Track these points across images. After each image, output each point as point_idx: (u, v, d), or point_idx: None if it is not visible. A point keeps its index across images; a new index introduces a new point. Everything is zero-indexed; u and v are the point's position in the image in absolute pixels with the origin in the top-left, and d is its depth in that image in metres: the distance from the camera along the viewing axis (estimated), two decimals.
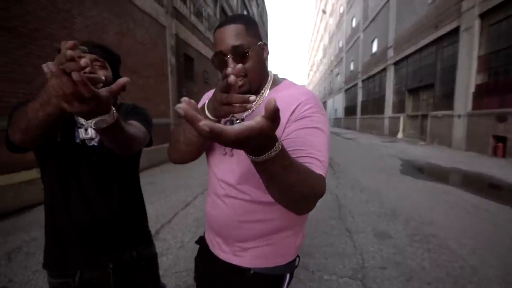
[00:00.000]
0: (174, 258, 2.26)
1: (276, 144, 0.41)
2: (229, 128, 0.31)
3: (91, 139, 0.82)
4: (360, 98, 21.22)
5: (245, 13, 20.67)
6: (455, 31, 8.96)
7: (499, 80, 7.33)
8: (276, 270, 0.71)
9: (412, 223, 2.95)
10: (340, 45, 28.87)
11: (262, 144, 0.39)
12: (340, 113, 29.35)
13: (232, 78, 0.47)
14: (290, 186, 0.47)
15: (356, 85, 22.29)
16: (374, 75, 17.82)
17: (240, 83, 0.63)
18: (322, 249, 2.35)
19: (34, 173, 3.70)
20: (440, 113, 10.01)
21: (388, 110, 15.21)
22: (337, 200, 3.73)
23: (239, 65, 0.55)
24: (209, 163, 0.78)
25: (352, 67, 23.96)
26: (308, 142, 0.57)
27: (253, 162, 0.43)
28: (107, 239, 0.86)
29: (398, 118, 13.87)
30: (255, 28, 0.67)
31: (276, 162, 0.42)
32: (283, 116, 0.60)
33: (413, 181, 4.92)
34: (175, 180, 5.10)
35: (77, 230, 0.82)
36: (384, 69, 15.67)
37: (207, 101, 0.58)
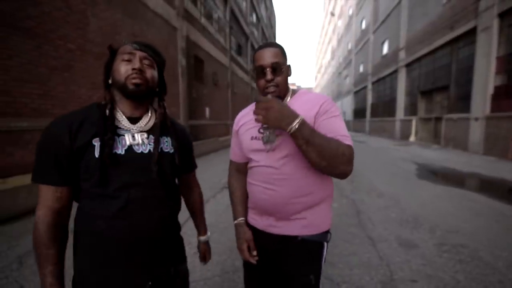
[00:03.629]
0: (190, 266, 2.16)
1: (299, 117, 0.75)
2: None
3: (139, 145, 0.78)
4: (370, 100, 20.89)
5: (254, 15, 20.78)
6: (472, 32, 8.69)
7: None
8: (315, 237, 0.91)
9: (437, 231, 2.78)
10: (349, 47, 28.61)
11: (286, 112, 0.74)
12: (349, 115, 28.99)
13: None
14: (321, 146, 0.74)
15: (365, 87, 21.98)
16: (384, 77, 17.53)
17: (272, 89, 0.89)
18: (345, 259, 2.22)
19: None
20: (455, 115, 9.70)
21: (400, 113, 14.89)
22: (354, 206, 3.57)
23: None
24: (255, 161, 0.94)
25: (361, 69, 23.67)
26: (333, 128, 0.83)
27: (292, 134, 0.75)
28: (150, 256, 0.79)
29: (410, 121, 13.56)
30: (285, 54, 0.92)
31: (304, 129, 0.74)
32: (311, 112, 0.86)
33: (432, 186, 4.71)
34: None
35: (122, 249, 0.75)
36: (395, 71, 15.39)
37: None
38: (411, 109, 13.78)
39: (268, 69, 0.86)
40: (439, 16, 10.71)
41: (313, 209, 0.91)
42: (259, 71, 0.88)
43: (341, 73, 34.26)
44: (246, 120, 1.00)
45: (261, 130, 0.92)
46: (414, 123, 13.25)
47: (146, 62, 0.79)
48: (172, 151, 0.85)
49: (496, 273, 2.02)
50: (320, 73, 66.40)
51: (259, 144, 0.91)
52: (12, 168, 3.31)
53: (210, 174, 5.86)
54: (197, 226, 1.10)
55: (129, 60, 0.77)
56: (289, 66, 0.94)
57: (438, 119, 11.15)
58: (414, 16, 13.03)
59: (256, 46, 21.52)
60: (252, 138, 0.93)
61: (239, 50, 16.39)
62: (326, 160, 0.75)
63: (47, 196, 0.70)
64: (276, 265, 0.96)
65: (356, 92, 25.84)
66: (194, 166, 1.04)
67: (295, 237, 0.91)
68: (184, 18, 8.03)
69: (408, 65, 13.95)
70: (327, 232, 0.95)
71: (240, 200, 1.05)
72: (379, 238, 2.62)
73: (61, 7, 3.89)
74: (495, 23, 7.67)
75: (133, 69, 0.76)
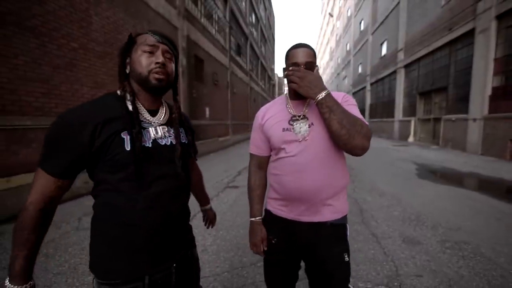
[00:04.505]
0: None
1: (326, 89, 0.87)
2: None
3: (162, 138, 0.80)
4: (368, 101, 21.01)
5: (253, 16, 20.84)
6: (470, 33, 8.80)
7: None
8: (340, 220, 1.01)
9: (440, 229, 2.82)
10: (348, 48, 28.74)
11: (317, 83, 0.87)
12: None
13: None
14: (342, 114, 0.85)
15: (364, 88, 22.09)
16: (383, 78, 17.64)
17: None
18: (351, 255, 2.24)
19: None
20: (454, 116, 9.80)
21: (399, 114, 15.00)
22: (357, 204, 3.61)
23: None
24: (286, 152, 0.97)
25: (360, 70, 23.80)
26: (352, 112, 0.91)
27: (318, 102, 0.87)
28: (174, 239, 0.84)
29: (409, 121, 13.66)
30: (315, 56, 1.01)
31: (331, 98, 0.86)
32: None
33: (432, 185, 4.77)
34: None
35: (148, 235, 0.76)
36: (394, 72, 15.49)
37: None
38: (410, 110, 13.88)
39: (302, 67, 0.93)
40: (437, 18, 10.82)
41: (337, 196, 0.99)
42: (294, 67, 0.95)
43: (339, 74, 34.41)
44: (273, 114, 1.03)
45: (291, 122, 0.97)
46: (413, 123, 13.35)
47: (167, 55, 0.79)
48: (187, 141, 0.89)
49: (498, 268, 2.06)
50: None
51: (291, 135, 0.95)
52: (16, 167, 3.31)
53: (212, 173, 5.88)
54: (201, 199, 1.22)
55: (151, 52, 0.76)
56: (317, 66, 1.00)
57: (437, 120, 11.26)
58: (412, 17, 13.15)
59: (255, 47, 21.55)
60: (284, 130, 0.97)
61: (239, 50, 16.42)
62: (345, 128, 0.84)
63: (47, 185, 0.68)
64: (309, 251, 1.00)
65: (354, 93, 25.96)
66: (196, 151, 1.05)
67: (325, 222, 0.98)
68: (184, 17, 8.05)
69: (407, 66, 14.06)
70: (346, 215, 1.05)
71: (260, 199, 1.10)
72: (383, 235, 2.66)
73: (65, 6, 3.90)
74: (493, 25, 7.77)
75: (157, 63, 0.75)
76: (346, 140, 0.85)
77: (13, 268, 0.66)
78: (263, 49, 26.83)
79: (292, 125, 0.96)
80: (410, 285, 1.84)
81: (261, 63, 25.88)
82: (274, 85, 41.91)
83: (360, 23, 23.18)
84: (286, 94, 1.06)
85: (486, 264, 2.13)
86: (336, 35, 36.62)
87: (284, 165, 0.97)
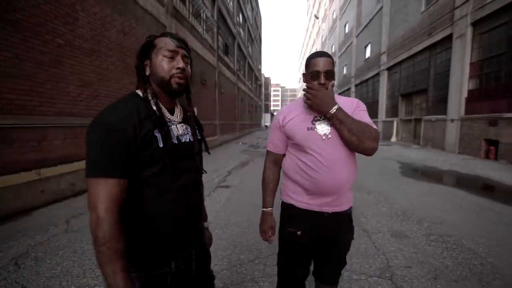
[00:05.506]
0: None
1: (336, 104, 1.00)
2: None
3: (182, 135, 0.85)
4: None
5: (240, 16, 20.85)
6: (448, 38, 9.29)
7: (490, 86, 7.63)
8: (350, 209, 1.16)
9: (424, 223, 2.98)
10: (333, 50, 29.37)
11: (328, 100, 1.00)
12: None
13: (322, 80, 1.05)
14: (351, 125, 0.99)
15: (349, 89, 22.68)
16: (367, 80, 18.20)
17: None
18: None
19: (33, 175, 3.53)
20: (433, 117, 10.30)
21: (382, 114, 15.53)
22: None
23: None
24: (313, 150, 1.06)
25: (345, 71, 24.40)
26: (363, 117, 1.07)
27: (330, 117, 1.01)
28: (194, 228, 0.91)
29: (392, 122, 14.19)
30: (334, 64, 1.10)
31: (341, 112, 1.00)
32: (349, 110, 1.07)
33: (415, 183, 5.01)
34: None
35: (176, 224, 0.82)
36: (377, 74, 16.03)
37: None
38: (393, 111, 14.43)
39: (322, 75, 1.04)
40: (418, 23, 11.33)
41: (350, 189, 1.13)
42: (314, 75, 1.06)
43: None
44: (295, 115, 1.13)
45: (313, 122, 1.08)
46: (395, 124, 13.88)
47: (185, 60, 0.83)
48: (200, 137, 0.96)
49: (478, 258, 2.22)
50: None
51: (315, 134, 1.05)
52: None
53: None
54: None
55: (171, 57, 0.79)
56: (334, 80, 1.11)
57: (418, 121, 11.78)
58: (395, 22, 13.68)
59: (242, 47, 21.55)
60: (308, 129, 1.07)
61: (226, 50, 16.36)
62: (355, 135, 0.99)
63: (111, 190, 0.67)
64: (330, 237, 1.14)
65: (339, 94, 26.54)
66: (207, 146, 1.10)
67: (344, 212, 1.12)
68: (173, 16, 7.94)
69: (389, 69, 14.60)
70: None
71: (273, 192, 1.22)
72: (373, 230, 2.78)
73: (49, 0, 3.75)
74: (469, 31, 8.25)
75: (178, 68, 0.79)
76: (357, 144, 1.00)
77: (116, 285, 0.64)
78: (250, 49, 26.88)
79: (314, 124, 1.07)
80: (400, 276, 1.95)
81: (248, 63, 25.91)
82: (260, 85, 42.04)
83: (345, 26, 23.79)
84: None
85: (468, 254, 2.29)
86: (322, 36, 37.33)
87: (313, 162, 1.06)
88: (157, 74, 0.79)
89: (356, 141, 0.99)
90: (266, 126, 47.66)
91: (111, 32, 5.05)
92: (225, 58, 15.84)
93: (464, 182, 5.14)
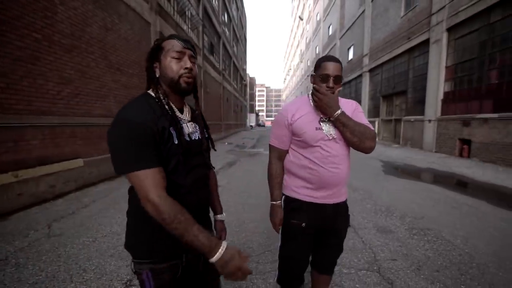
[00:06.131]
0: None
1: (340, 109, 1.11)
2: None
3: (192, 133, 0.91)
4: None
5: (226, 15, 20.72)
6: (426, 43, 9.76)
7: (464, 89, 8.11)
8: (346, 200, 1.29)
9: (407, 218, 3.13)
10: (317, 51, 29.93)
11: (333, 104, 1.11)
12: None
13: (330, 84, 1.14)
14: (353, 127, 1.11)
15: None
16: (350, 81, 18.71)
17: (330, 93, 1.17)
18: None
19: (9, 177, 3.33)
20: (412, 117, 10.78)
21: (364, 115, 16.01)
22: None
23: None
24: (320, 147, 1.16)
25: None
26: (361, 119, 1.19)
27: (336, 119, 1.11)
28: (204, 221, 0.96)
29: (374, 122, 14.68)
30: (342, 69, 1.18)
31: (344, 116, 1.11)
32: (348, 111, 1.18)
33: (397, 180, 5.24)
34: None
35: None
36: (360, 76, 16.53)
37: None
38: (374, 111, 14.94)
39: (331, 78, 1.13)
40: (398, 27, 11.81)
41: (346, 183, 1.25)
42: (324, 78, 1.14)
43: (309, 76, 35.63)
44: (303, 113, 1.20)
45: (320, 122, 1.17)
46: (377, 124, 14.39)
47: (192, 60, 0.87)
48: (207, 135, 1.02)
49: (456, 249, 2.37)
50: (289, 75, 68.30)
51: (322, 133, 1.15)
52: None
53: None
54: (215, 205, 1.15)
55: (179, 58, 0.83)
56: (340, 87, 1.22)
57: (398, 121, 12.28)
58: (376, 25, 14.17)
59: (227, 46, 21.45)
60: (316, 129, 1.16)
61: (211, 49, 16.22)
62: (357, 137, 1.12)
63: (155, 178, 0.72)
64: (331, 226, 1.25)
65: None
66: (213, 143, 1.15)
67: (342, 203, 1.25)
68: (157, 13, 7.77)
69: (371, 71, 15.10)
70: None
71: (280, 185, 1.29)
72: (359, 226, 2.88)
73: None
74: (444, 36, 8.72)
75: (186, 68, 0.83)
76: (358, 144, 1.14)
77: (202, 244, 0.69)
78: (235, 49, 26.79)
79: (321, 125, 1.16)
80: (387, 268, 2.04)
81: (234, 62, 25.83)
82: (246, 85, 42.01)
83: (329, 27, 24.32)
84: (309, 94, 1.25)
85: (447, 245, 2.43)
86: (306, 38, 37.92)
87: (320, 159, 1.16)
88: (166, 75, 0.83)
89: (357, 141, 1.12)
90: (251, 126, 47.68)
91: (92, 28, 4.86)
92: (211, 57, 15.70)
93: (441, 179, 5.44)
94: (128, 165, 0.72)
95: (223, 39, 19.25)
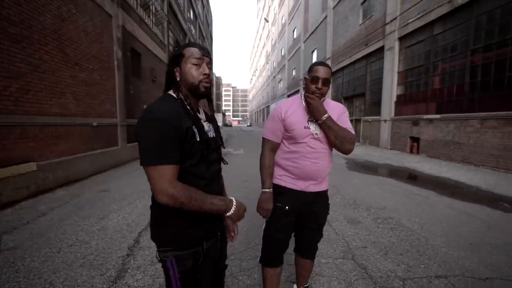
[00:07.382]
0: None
1: (327, 113, 1.27)
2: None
3: (208, 131, 0.98)
4: None
5: (191, 12, 20.20)
6: (381, 49, 10.69)
7: (413, 92, 9.09)
8: (327, 189, 1.44)
9: (372, 209, 3.44)
10: (283, 53, 30.77)
11: (321, 109, 1.26)
12: None
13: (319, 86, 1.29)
14: (337, 132, 1.26)
15: (298, 91, 24.06)
16: None
17: (317, 95, 1.30)
18: None
19: None
20: (370, 118, 11.73)
21: None
22: None
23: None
24: (305, 143, 1.31)
25: (294, 74, 25.81)
26: (345, 123, 1.34)
27: (322, 122, 1.27)
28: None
29: None
30: (331, 73, 1.32)
31: (330, 120, 1.26)
32: (336, 113, 1.34)
33: (360, 175, 5.68)
34: (133, 186, 4.63)
35: None
36: None
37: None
38: None
39: (321, 80, 1.27)
40: (356, 34, 12.74)
41: (327, 174, 1.41)
42: (314, 79, 1.28)
43: (275, 77, 36.50)
44: (293, 111, 1.35)
45: (308, 121, 1.32)
46: None
47: (209, 66, 0.96)
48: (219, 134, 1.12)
49: (414, 234, 2.68)
50: (255, 75, 68.98)
51: (309, 132, 1.31)
52: None
53: None
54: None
55: (197, 65, 0.92)
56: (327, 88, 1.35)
57: (358, 121, 13.24)
58: (337, 31, 15.10)
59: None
60: (305, 128, 1.31)
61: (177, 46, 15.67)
62: (339, 140, 1.28)
63: (171, 173, 0.80)
64: (311, 209, 1.39)
65: (289, 95, 28.02)
66: (223, 142, 1.26)
67: (323, 191, 1.41)
68: (119, 5, 7.27)
69: (333, 74, 16.02)
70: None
71: (271, 175, 1.40)
72: (331, 219, 3.08)
73: None
74: (396, 44, 9.66)
75: (205, 74, 0.92)
76: (339, 147, 1.30)
77: (220, 206, 0.88)
78: None
79: (309, 124, 1.31)
80: (359, 255, 2.23)
81: None
82: (212, 85, 41.37)
83: (294, 31, 25.17)
84: (302, 94, 1.40)
85: (407, 232, 2.74)
86: (272, 39, 38.72)
87: (305, 153, 1.33)
88: (187, 80, 0.92)
89: (338, 144, 1.28)
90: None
91: (45, 17, 4.38)
92: None
93: (396, 173, 6.04)
94: (152, 158, 0.79)
95: (189, 36, 18.73)
